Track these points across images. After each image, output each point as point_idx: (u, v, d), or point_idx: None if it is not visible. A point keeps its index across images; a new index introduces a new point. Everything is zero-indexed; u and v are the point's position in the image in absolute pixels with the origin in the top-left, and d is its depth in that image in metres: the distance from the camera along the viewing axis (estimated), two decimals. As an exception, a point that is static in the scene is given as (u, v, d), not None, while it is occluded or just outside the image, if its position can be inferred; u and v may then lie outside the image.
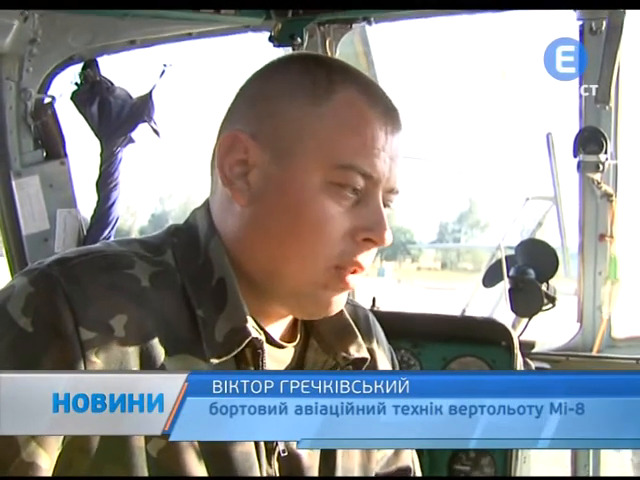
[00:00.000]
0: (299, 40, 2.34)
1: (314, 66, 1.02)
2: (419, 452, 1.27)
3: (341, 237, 0.97)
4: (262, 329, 1.01)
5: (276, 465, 1.00)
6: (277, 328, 1.05)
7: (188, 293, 0.97)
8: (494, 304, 3.34)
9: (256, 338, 0.97)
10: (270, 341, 1.02)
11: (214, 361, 0.95)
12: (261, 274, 1.00)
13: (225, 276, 0.99)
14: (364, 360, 1.08)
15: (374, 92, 1.02)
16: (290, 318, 1.06)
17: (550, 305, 2.47)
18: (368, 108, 0.99)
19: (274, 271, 0.99)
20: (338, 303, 1.02)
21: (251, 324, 0.97)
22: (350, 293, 1.05)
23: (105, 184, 2.69)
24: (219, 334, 0.96)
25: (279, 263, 0.98)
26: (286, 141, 0.98)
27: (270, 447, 0.99)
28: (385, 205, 1.01)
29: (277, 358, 1.03)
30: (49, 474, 0.88)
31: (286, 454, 1.00)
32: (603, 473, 2.50)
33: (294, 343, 1.06)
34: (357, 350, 1.07)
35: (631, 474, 2.62)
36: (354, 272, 1.00)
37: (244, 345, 0.96)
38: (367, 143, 0.97)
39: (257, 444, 0.97)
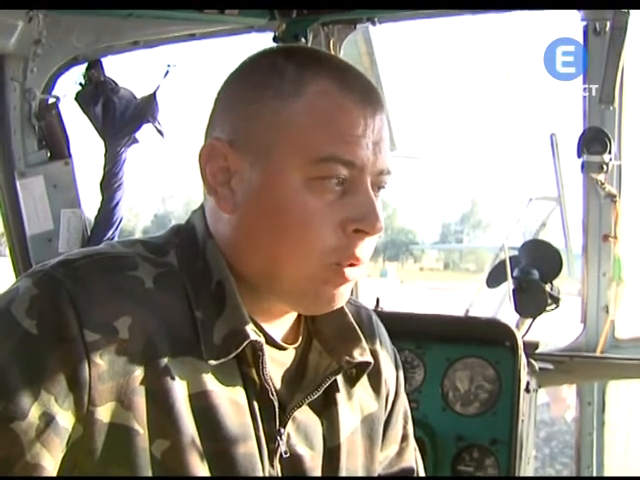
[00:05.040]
0: (303, 40, 2.33)
1: (283, 61, 0.99)
2: (422, 453, 1.26)
3: (332, 231, 0.96)
4: (262, 330, 1.00)
5: (278, 467, 0.99)
6: (278, 329, 1.04)
7: (189, 295, 0.97)
8: (498, 304, 3.34)
9: (255, 340, 0.96)
10: (270, 342, 1.02)
11: (212, 362, 0.95)
12: (258, 277, 0.99)
13: (223, 279, 0.98)
14: (368, 364, 1.07)
15: (348, 79, 0.98)
16: (292, 319, 1.06)
17: (554, 305, 2.47)
18: (342, 96, 0.96)
19: (270, 273, 0.98)
20: (340, 297, 1.00)
21: (250, 327, 0.97)
22: (354, 293, 1.04)
23: (109, 184, 2.70)
24: (217, 336, 0.95)
25: (274, 265, 0.97)
26: (262, 144, 0.96)
27: (272, 448, 0.99)
28: (379, 187, 0.99)
29: (278, 360, 1.03)
30: (53, 475, 0.88)
31: (288, 455, 1.00)
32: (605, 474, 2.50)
33: (296, 345, 1.06)
34: (361, 354, 1.06)
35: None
36: (352, 265, 0.98)
37: (243, 347, 0.96)
38: (344, 132, 0.95)
39: (260, 445, 0.97)
